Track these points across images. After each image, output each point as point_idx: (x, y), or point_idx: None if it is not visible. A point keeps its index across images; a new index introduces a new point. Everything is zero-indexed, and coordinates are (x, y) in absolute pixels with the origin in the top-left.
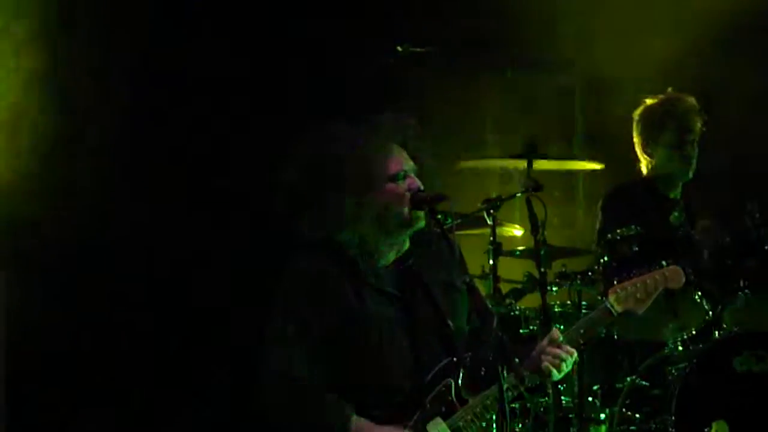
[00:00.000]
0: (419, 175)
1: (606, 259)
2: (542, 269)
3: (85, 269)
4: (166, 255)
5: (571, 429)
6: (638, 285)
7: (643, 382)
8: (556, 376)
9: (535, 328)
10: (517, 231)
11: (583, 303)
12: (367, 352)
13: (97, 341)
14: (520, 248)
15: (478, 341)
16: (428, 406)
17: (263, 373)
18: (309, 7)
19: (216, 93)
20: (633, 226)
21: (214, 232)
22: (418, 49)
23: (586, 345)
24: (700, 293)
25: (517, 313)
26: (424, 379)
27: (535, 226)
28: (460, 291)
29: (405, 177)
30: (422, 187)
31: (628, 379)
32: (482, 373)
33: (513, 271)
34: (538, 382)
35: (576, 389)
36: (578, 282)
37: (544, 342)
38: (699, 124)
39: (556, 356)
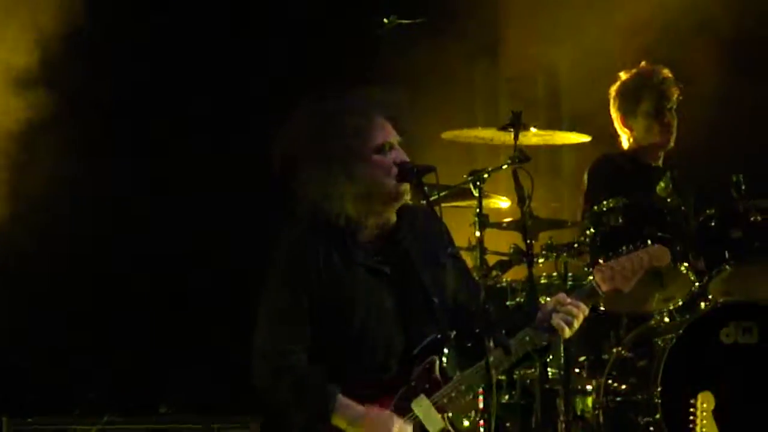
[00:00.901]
0: (405, 148)
1: (592, 230)
2: (529, 241)
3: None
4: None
5: (558, 401)
6: (624, 264)
7: (629, 354)
8: (568, 333)
9: (522, 299)
10: (503, 203)
11: (570, 275)
12: (353, 329)
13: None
14: (507, 220)
15: (465, 315)
16: (412, 383)
17: (254, 350)
18: None
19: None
20: (619, 197)
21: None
22: (405, 21)
23: None
24: (686, 265)
25: (503, 285)
26: (409, 356)
27: (521, 198)
28: (445, 265)
29: (391, 149)
30: (408, 160)
31: (614, 350)
32: (469, 347)
33: (499, 243)
34: (545, 343)
35: (562, 361)
36: (565, 254)
37: (551, 302)
38: (676, 93)
39: (567, 312)
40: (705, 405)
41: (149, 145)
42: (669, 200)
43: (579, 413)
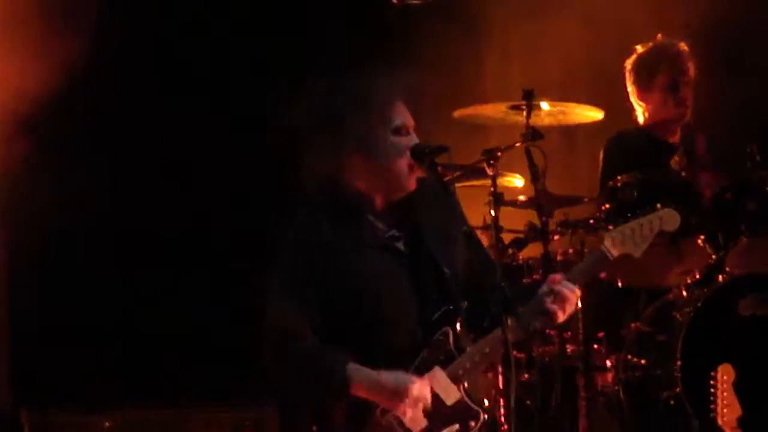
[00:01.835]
0: (418, 127)
1: (607, 206)
2: (544, 218)
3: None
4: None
5: (577, 378)
6: (633, 228)
7: (648, 329)
8: (561, 317)
9: (538, 277)
10: (517, 181)
11: (586, 251)
12: (366, 307)
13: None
14: (522, 198)
15: (480, 291)
16: (426, 355)
17: (262, 330)
18: None
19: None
20: (634, 172)
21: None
22: (415, 2)
23: (588, 293)
24: (703, 237)
25: (520, 263)
26: (422, 329)
27: (535, 176)
28: (458, 240)
29: (407, 132)
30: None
31: (633, 325)
32: (484, 324)
33: (515, 221)
34: (538, 327)
35: (581, 338)
36: (580, 230)
37: (545, 285)
38: (692, 68)
39: (560, 297)
40: (725, 377)
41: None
42: (683, 174)
43: (599, 390)
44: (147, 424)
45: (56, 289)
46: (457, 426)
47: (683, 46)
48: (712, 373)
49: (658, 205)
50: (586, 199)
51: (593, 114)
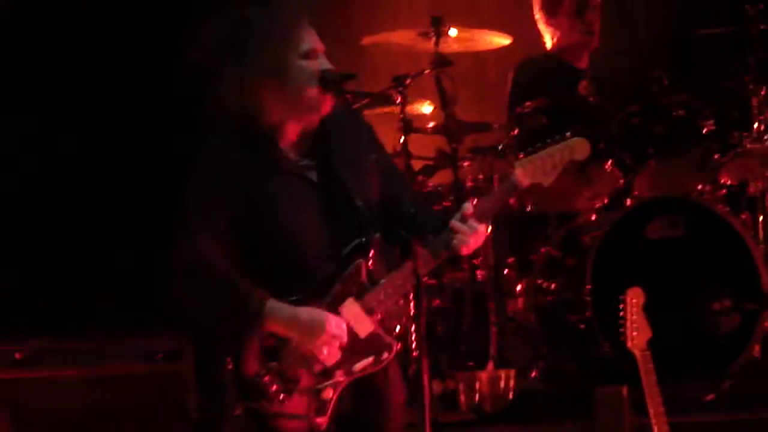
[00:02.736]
0: (326, 55)
1: (517, 131)
2: (453, 145)
3: None
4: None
5: (488, 302)
6: (544, 157)
7: (558, 253)
8: (465, 251)
9: (449, 204)
10: (427, 108)
11: (495, 177)
12: (277, 236)
13: None
14: (431, 125)
15: (392, 220)
16: (339, 288)
17: (174, 261)
18: None
19: None
20: (542, 98)
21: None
22: None
23: (497, 218)
24: (611, 161)
25: (429, 189)
26: (336, 260)
27: (444, 102)
28: (370, 168)
29: (316, 56)
30: (331, 67)
31: (543, 250)
32: (396, 249)
33: (424, 147)
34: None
35: (491, 263)
36: (490, 156)
37: (456, 218)
38: None
39: (463, 232)
40: (635, 300)
41: None
42: (591, 99)
43: (510, 315)
44: (58, 353)
45: None
46: (371, 358)
47: None
48: (622, 297)
49: (568, 134)
50: (495, 126)
51: (501, 40)
